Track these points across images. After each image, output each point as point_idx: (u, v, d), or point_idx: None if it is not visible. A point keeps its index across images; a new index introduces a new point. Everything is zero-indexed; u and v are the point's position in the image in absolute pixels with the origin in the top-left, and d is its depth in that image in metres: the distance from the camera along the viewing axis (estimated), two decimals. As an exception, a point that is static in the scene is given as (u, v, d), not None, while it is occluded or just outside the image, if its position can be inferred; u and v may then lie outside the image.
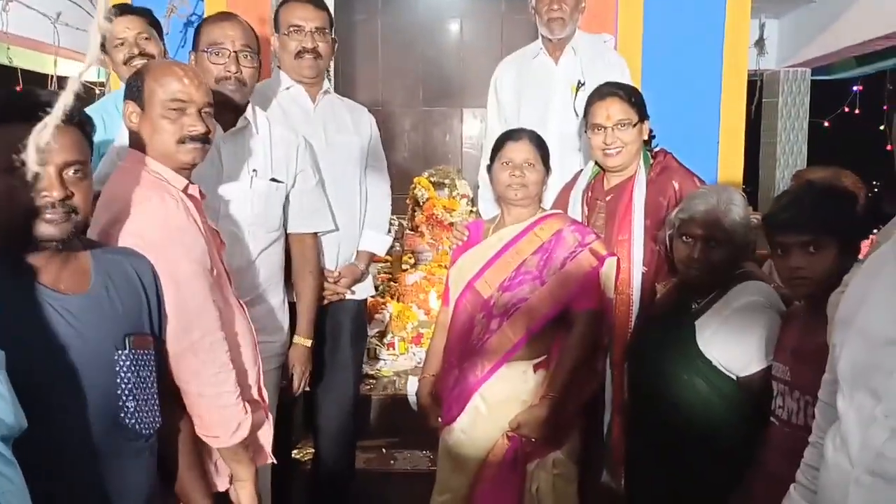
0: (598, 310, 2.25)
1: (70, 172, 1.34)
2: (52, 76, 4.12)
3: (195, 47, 2.23)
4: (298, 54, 2.50)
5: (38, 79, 4.64)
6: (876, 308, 1.18)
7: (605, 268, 2.25)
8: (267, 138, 2.29)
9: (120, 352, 1.40)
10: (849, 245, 1.71)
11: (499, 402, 2.23)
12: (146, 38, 2.63)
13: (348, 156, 2.62)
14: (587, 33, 2.91)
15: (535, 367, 2.24)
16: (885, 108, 6.80)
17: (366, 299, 2.84)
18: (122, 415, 1.39)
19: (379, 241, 2.74)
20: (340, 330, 2.66)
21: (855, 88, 7.04)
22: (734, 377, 1.92)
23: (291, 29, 2.50)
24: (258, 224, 2.25)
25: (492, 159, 2.34)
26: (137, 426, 1.41)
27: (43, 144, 0.55)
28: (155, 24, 2.73)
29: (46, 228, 1.31)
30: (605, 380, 2.32)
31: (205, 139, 1.75)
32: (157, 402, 1.47)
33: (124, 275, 1.47)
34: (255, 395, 1.84)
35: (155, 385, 1.47)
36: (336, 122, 2.63)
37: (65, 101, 0.62)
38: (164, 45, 2.77)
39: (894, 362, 1.11)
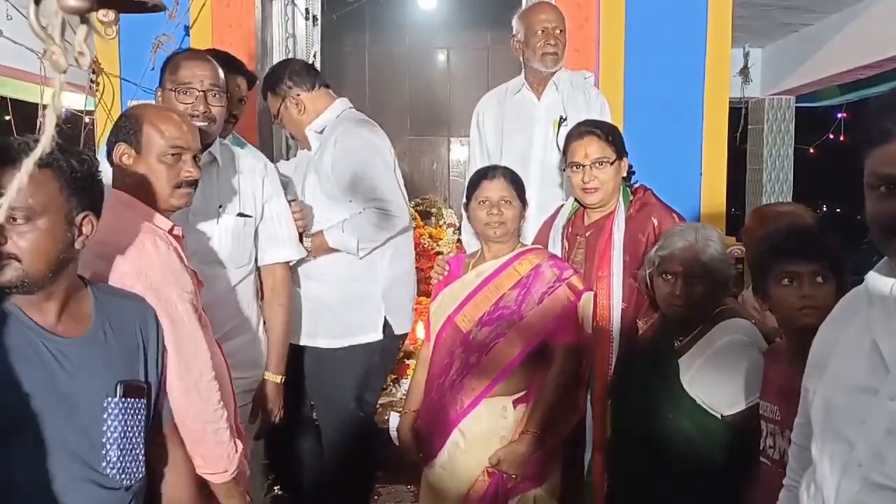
0: (577, 344, 2.25)
1: (14, 220, 1.27)
2: (40, 105, 4.14)
3: (161, 84, 2.18)
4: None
5: (28, 108, 4.66)
6: (848, 354, 1.16)
7: (582, 302, 2.26)
8: (233, 172, 2.26)
9: (110, 399, 1.38)
10: (842, 280, 1.69)
11: (478, 437, 2.23)
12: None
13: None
14: (568, 70, 2.94)
15: (515, 403, 2.24)
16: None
17: (356, 346, 2.60)
18: (104, 464, 1.36)
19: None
20: (319, 373, 2.62)
21: (839, 115, 7.12)
22: (719, 416, 1.91)
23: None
24: (228, 261, 2.22)
25: (468, 198, 2.36)
26: (118, 476, 1.38)
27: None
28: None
29: None
30: (585, 415, 2.31)
31: (197, 184, 1.81)
32: (142, 452, 1.44)
33: (124, 320, 1.46)
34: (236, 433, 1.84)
35: (142, 435, 1.44)
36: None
37: (20, 181, 0.63)
38: None
39: (867, 410, 1.08)
